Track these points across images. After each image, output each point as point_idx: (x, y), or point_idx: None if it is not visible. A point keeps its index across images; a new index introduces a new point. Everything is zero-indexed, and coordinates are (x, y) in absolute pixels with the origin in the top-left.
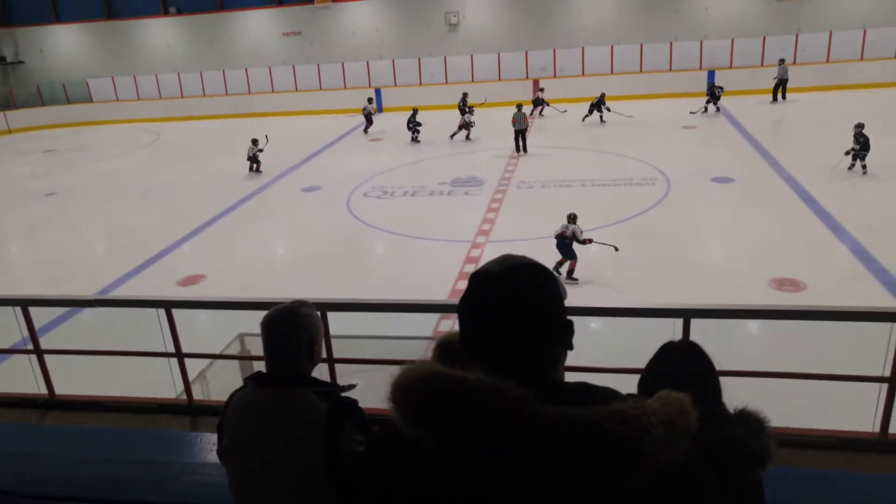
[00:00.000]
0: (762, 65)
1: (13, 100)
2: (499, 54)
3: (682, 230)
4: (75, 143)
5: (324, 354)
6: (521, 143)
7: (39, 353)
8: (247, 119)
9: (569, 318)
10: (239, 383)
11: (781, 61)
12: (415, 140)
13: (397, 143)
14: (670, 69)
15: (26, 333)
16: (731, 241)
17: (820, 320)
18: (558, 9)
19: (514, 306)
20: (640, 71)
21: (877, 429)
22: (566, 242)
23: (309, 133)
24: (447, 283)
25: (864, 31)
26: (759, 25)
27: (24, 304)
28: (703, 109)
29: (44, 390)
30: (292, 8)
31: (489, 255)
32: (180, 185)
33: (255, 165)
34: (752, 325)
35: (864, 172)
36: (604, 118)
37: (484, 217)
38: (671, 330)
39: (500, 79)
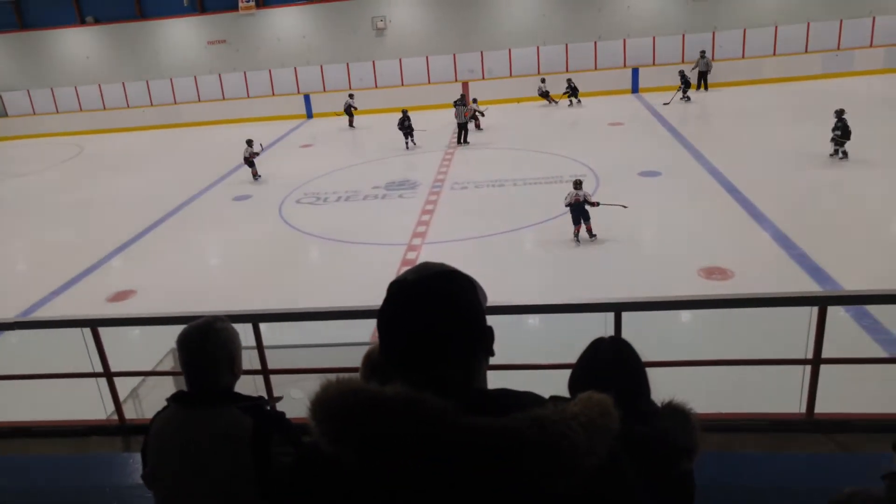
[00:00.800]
0: (682, 61)
1: None
2: (427, 58)
3: (612, 224)
4: None
5: (246, 367)
6: (463, 136)
7: None
8: (173, 129)
9: (489, 324)
10: (166, 398)
11: (703, 54)
12: (412, 143)
13: (328, 148)
14: (595, 68)
15: None
16: (661, 233)
17: (745, 307)
18: (484, 12)
19: (431, 315)
20: (566, 70)
21: (804, 409)
22: (581, 207)
23: (237, 142)
24: (383, 288)
25: (776, 28)
26: (679, 23)
27: None
28: (682, 97)
29: None
30: (216, 16)
31: (425, 256)
32: (106, 198)
33: (254, 169)
34: (684, 314)
35: (843, 157)
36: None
37: (419, 219)
38: (603, 323)
39: (429, 82)
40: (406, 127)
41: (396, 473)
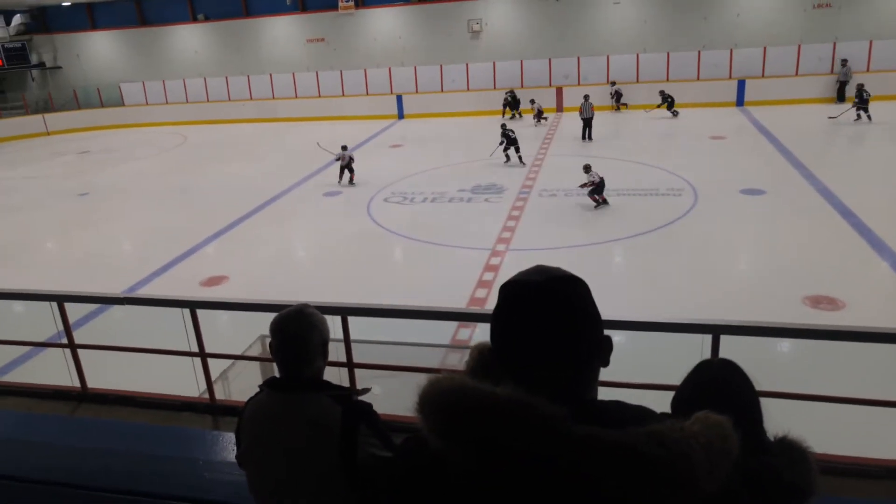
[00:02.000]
0: (796, 74)
1: (51, 103)
2: (521, 61)
3: (710, 243)
4: (107, 145)
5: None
6: (587, 132)
7: (73, 347)
8: (270, 123)
9: (606, 333)
10: (259, 385)
11: (844, 62)
12: (516, 157)
13: (418, 148)
14: (698, 78)
15: (61, 328)
16: (763, 255)
17: (857, 341)
18: (582, 17)
19: (551, 319)
20: (667, 80)
21: None
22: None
23: (331, 138)
24: (465, 291)
25: None
26: (794, 33)
27: (60, 299)
28: (855, 117)
29: (77, 383)
30: (316, 15)
31: (509, 263)
32: (206, 186)
33: (349, 174)
34: (785, 344)
35: (868, 119)
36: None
37: (504, 225)
38: (699, 346)
39: (522, 86)
40: (511, 139)
41: (505, 477)
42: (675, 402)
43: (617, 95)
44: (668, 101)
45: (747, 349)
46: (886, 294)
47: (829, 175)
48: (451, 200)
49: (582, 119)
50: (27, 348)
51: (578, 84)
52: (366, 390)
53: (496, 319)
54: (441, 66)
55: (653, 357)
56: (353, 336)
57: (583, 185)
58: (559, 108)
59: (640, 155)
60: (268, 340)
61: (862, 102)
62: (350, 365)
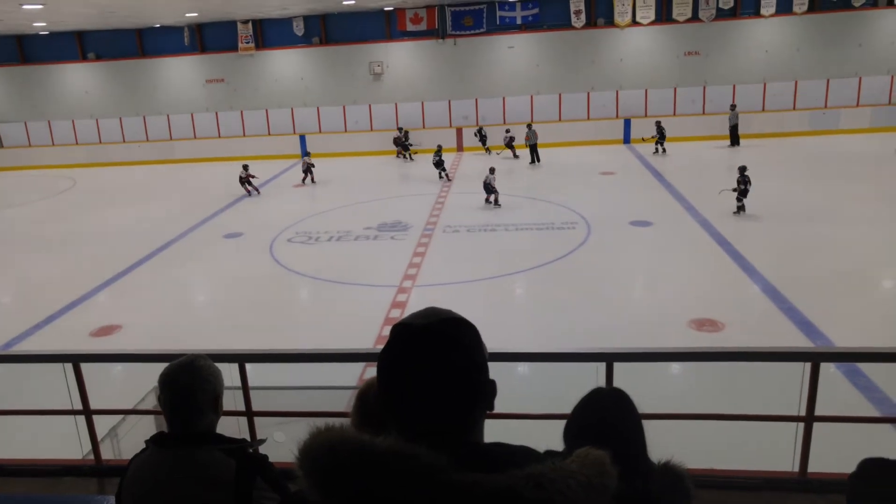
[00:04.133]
0: (674, 114)
1: None
2: (423, 103)
3: (604, 272)
4: None
5: (230, 408)
6: (535, 156)
7: None
8: (168, 165)
9: (491, 378)
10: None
11: (732, 107)
12: (445, 177)
13: (322, 188)
14: (588, 118)
15: None
16: (652, 283)
17: (737, 361)
18: (479, 60)
19: (436, 362)
20: (559, 119)
21: (797, 468)
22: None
23: (231, 179)
24: (373, 330)
25: (764, 84)
26: (671, 77)
27: None
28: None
29: None
30: (216, 55)
31: (415, 300)
32: (98, 231)
33: (249, 188)
34: (675, 367)
35: (739, 212)
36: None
37: (410, 261)
38: (595, 374)
39: (423, 127)
40: (438, 162)
41: None
42: (567, 432)
43: (511, 141)
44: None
45: (640, 374)
46: (759, 313)
47: (706, 207)
48: (356, 239)
49: (528, 146)
50: None
51: (476, 124)
52: (261, 441)
53: (383, 361)
54: (344, 106)
55: (551, 386)
56: (256, 382)
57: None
58: (459, 147)
59: (536, 190)
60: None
61: (662, 137)
62: (249, 413)
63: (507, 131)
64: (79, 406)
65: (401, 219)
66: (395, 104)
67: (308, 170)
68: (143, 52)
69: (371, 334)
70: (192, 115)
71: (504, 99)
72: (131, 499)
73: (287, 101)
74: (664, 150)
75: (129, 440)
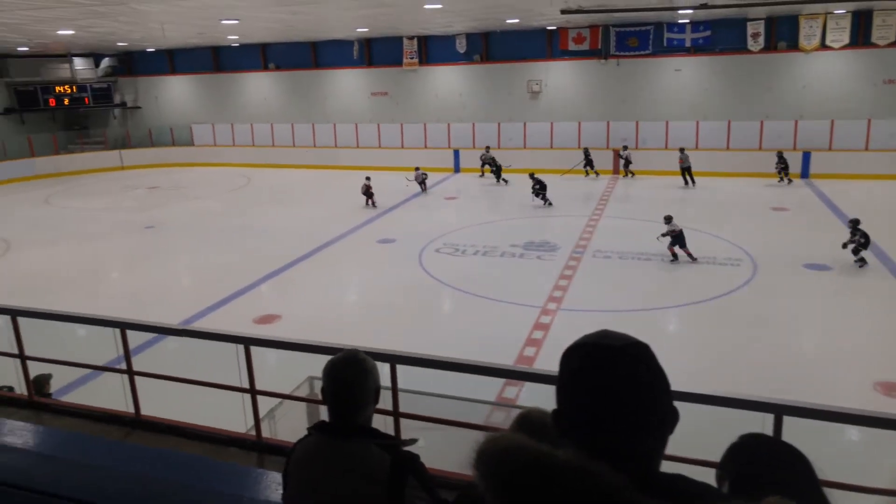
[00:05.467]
0: (866, 148)
1: (129, 140)
2: (579, 123)
3: (770, 317)
4: (176, 182)
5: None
6: (689, 179)
7: (131, 374)
8: (331, 171)
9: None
10: (306, 426)
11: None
12: (546, 203)
13: (472, 202)
14: (760, 148)
15: (120, 353)
16: (829, 335)
17: None
18: (643, 82)
19: (632, 385)
20: (727, 147)
21: None
22: (678, 236)
23: (389, 187)
24: (513, 349)
25: None
26: (864, 107)
27: (123, 326)
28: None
29: (131, 409)
30: (381, 69)
31: (559, 323)
32: (265, 227)
33: (369, 200)
34: (852, 431)
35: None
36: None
37: (556, 283)
38: (757, 426)
39: (579, 147)
40: (536, 189)
41: None
42: (729, 473)
43: (626, 161)
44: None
45: (810, 434)
46: None
47: None
48: (502, 255)
49: (682, 169)
50: (86, 370)
51: (636, 148)
52: (413, 441)
53: (571, 381)
54: (499, 123)
55: (703, 433)
56: (399, 384)
57: (663, 235)
58: (615, 170)
59: (696, 221)
60: (317, 382)
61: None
62: (396, 414)
63: (625, 148)
64: (246, 385)
65: (549, 239)
66: (551, 123)
67: (423, 181)
68: (317, 63)
69: (511, 352)
70: (356, 124)
71: (667, 123)
72: (295, 480)
73: (444, 115)
74: (789, 180)
75: (284, 423)
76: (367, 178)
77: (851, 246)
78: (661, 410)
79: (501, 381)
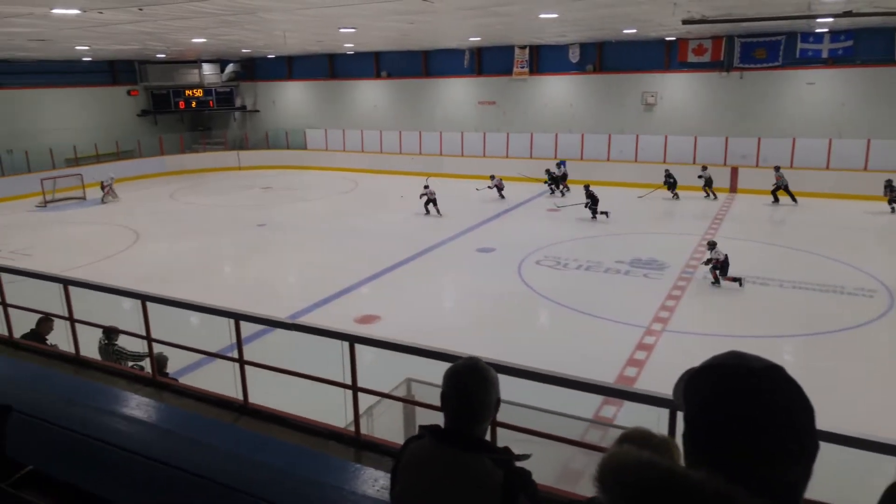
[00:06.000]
0: None
1: (246, 142)
2: (695, 137)
3: None
4: (288, 184)
5: None
6: (789, 196)
7: (242, 362)
8: (435, 178)
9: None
10: (402, 427)
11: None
12: (594, 216)
13: (575, 215)
14: None
15: (231, 342)
16: None
17: None
18: (769, 96)
19: (766, 411)
20: (865, 168)
21: None
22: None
23: (491, 196)
24: (613, 368)
25: None
26: None
27: (237, 317)
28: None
29: (240, 396)
30: (491, 78)
31: (664, 345)
32: (369, 230)
33: (430, 207)
34: None
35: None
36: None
37: (662, 304)
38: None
39: (694, 162)
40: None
41: None
42: None
43: (706, 181)
44: (669, 183)
45: None
46: None
47: None
48: (606, 271)
49: (780, 186)
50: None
51: (756, 166)
52: (526, 456)
53: (705, 404)
54: (610, 135)
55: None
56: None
57: (706, 262)
58: (733, 188)
59: (819, 246)
60: (414, 385)
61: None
62: (494, 423)
63: (704, 169)
64: (349, 381)
65: (657, 257)
66: (665, 137)
67: (500, 188)
68: (427, 72)
69: (611, 371)
70: (461, 133)
71: (794, 140)
72: (405, 482)
73: (553, 126)
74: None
75: (381, 421)
76: (426, 186)
77: None
78: (801, 437)
79: (599, 398)
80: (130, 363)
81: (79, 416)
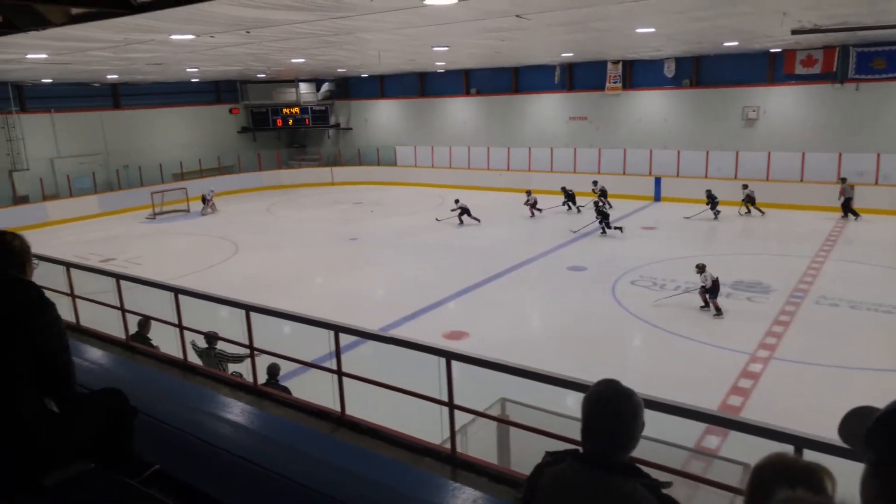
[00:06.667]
0: None
1: (339, 158)
2: (803, 154)
3: None
4: (378, 199)
5: None
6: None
7: (340, 374)
8: (523, 195)
9: None
10: (495, 448)
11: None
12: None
13: (673, 234)
14: None
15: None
16: None
17: None
18: (888, 109)
19: None
20: None
21: None
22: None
23: (583, 213)
24: (716, 396)
25: None
26: None
27: (337, 329)
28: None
29: (336, 407)
30: (582, 94)
31: (772, 373)
32: (457, 246)
33: (466, 217)
34: None
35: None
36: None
37: (769, 329)
38: None
39: (801, 180)
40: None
41: None
42: None
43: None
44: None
45: None
46: None
47: None
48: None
49: (845, 199)
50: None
51: (876, 184)
52: (669, 484)
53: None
54: (707, 152)
55: None
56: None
57: (701, 288)
58: (845, 212)
59: None
60: (508, 405)
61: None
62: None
63: (745, 186)
64: (445, 398)
65: (762, 279)
66: (768, 153)
67: (534, 205)
68: (517, 88)
69: (713, 399)
70: (551, 149)
71: None
72: None
73: (646, 141)
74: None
75: (475, 440)
76: (457, 201)
77: None
78: None
79: (701, 427)
80: (230, 368)
81: (189, 419)
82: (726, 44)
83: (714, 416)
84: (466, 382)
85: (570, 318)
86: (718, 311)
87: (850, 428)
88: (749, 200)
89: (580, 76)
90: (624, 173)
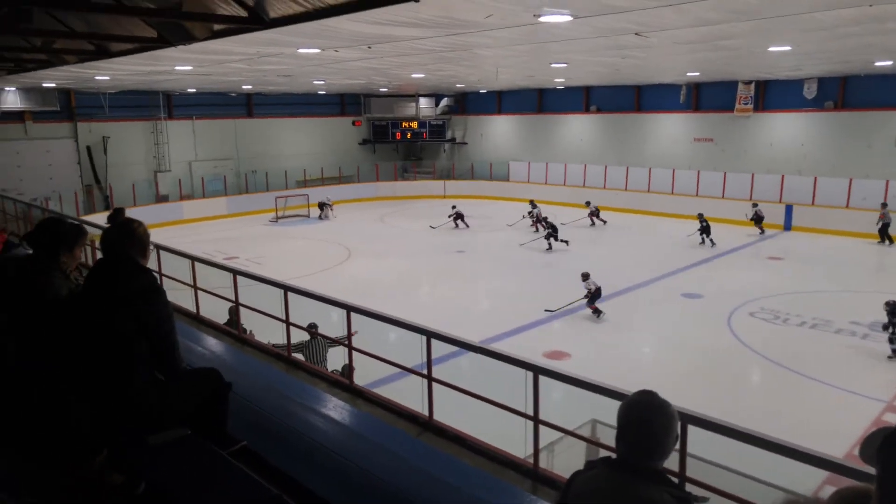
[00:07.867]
0: None
1: (453, 172)
2: None
3: None
4: (488, 213)
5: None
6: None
7: (430, 379)
8: (641, 215)
9: None
10: (581, 466)
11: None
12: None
13: (802, 266)
14: None
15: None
16: None
17: None
18: None
19: None
20: None
21: None
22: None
23: (695, 240)
24: (841, 444)
25: None
26: None
27: (429, 335)
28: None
29: (425, 411)
30: (709, 114)
31: None
32: (566, 264)
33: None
34: None
35: None
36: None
37: None
38: None
39: None
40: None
41: None
42: None
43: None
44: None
45: None
46: None
47: None
48: (837, 332)
49: (883, 224)
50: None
51: None
52: (705, 500)
53: None
54: (851, 179)
55: None
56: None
57: (585, 297)
58: None
59: None
60: (599, 427)
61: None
62: (682, 476)
63: (755, 205)
64: (530, 412)
65: None
66: None
67: (539, 219)
68: (639, 107)
69: (838, 447)
70: (673, 170)
71: None
72: None
73: (778, 167)
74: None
75: (561, 458)
76: (454, 207)
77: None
78: None
79: (822, 475)
80: (330, 367)
81: (285, 407)
82: (878, 63)
83: (836, 463)
84: (561, 402)
85: (682, 346)
86: (598, 312)
87: (870, 449)
88: (756, 220)
89: (707, 96)
90: (750, 198)
